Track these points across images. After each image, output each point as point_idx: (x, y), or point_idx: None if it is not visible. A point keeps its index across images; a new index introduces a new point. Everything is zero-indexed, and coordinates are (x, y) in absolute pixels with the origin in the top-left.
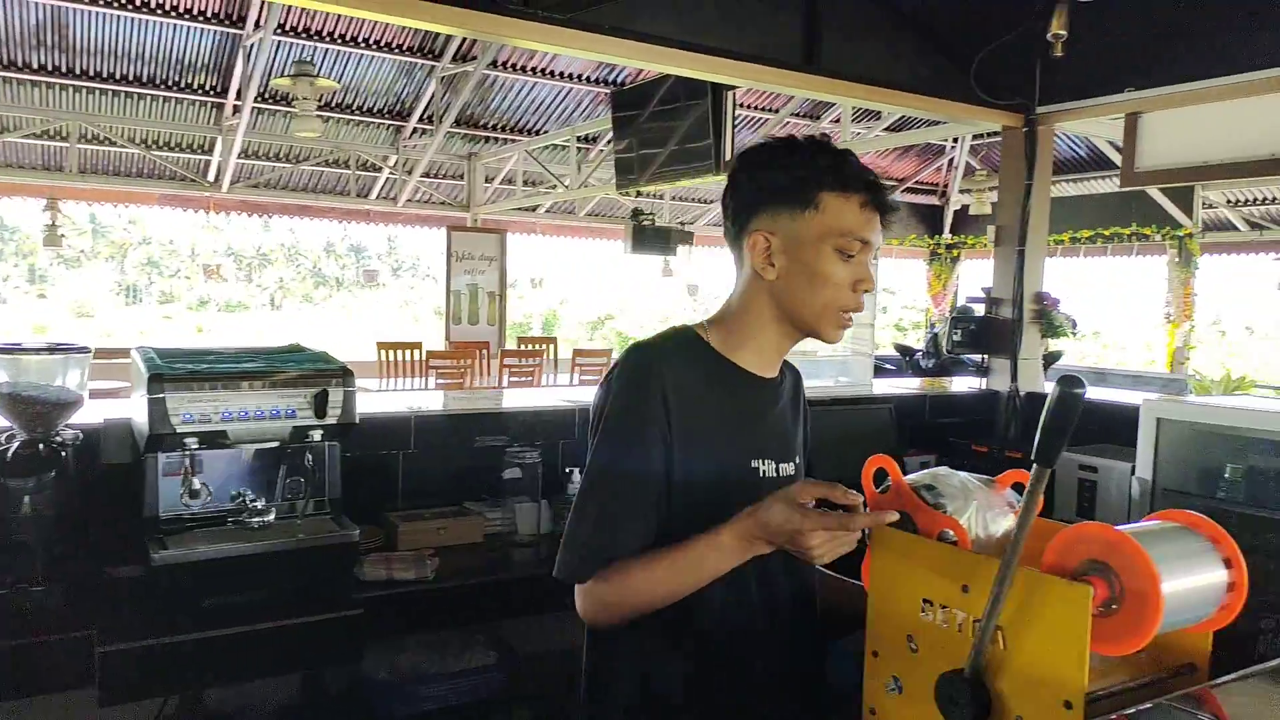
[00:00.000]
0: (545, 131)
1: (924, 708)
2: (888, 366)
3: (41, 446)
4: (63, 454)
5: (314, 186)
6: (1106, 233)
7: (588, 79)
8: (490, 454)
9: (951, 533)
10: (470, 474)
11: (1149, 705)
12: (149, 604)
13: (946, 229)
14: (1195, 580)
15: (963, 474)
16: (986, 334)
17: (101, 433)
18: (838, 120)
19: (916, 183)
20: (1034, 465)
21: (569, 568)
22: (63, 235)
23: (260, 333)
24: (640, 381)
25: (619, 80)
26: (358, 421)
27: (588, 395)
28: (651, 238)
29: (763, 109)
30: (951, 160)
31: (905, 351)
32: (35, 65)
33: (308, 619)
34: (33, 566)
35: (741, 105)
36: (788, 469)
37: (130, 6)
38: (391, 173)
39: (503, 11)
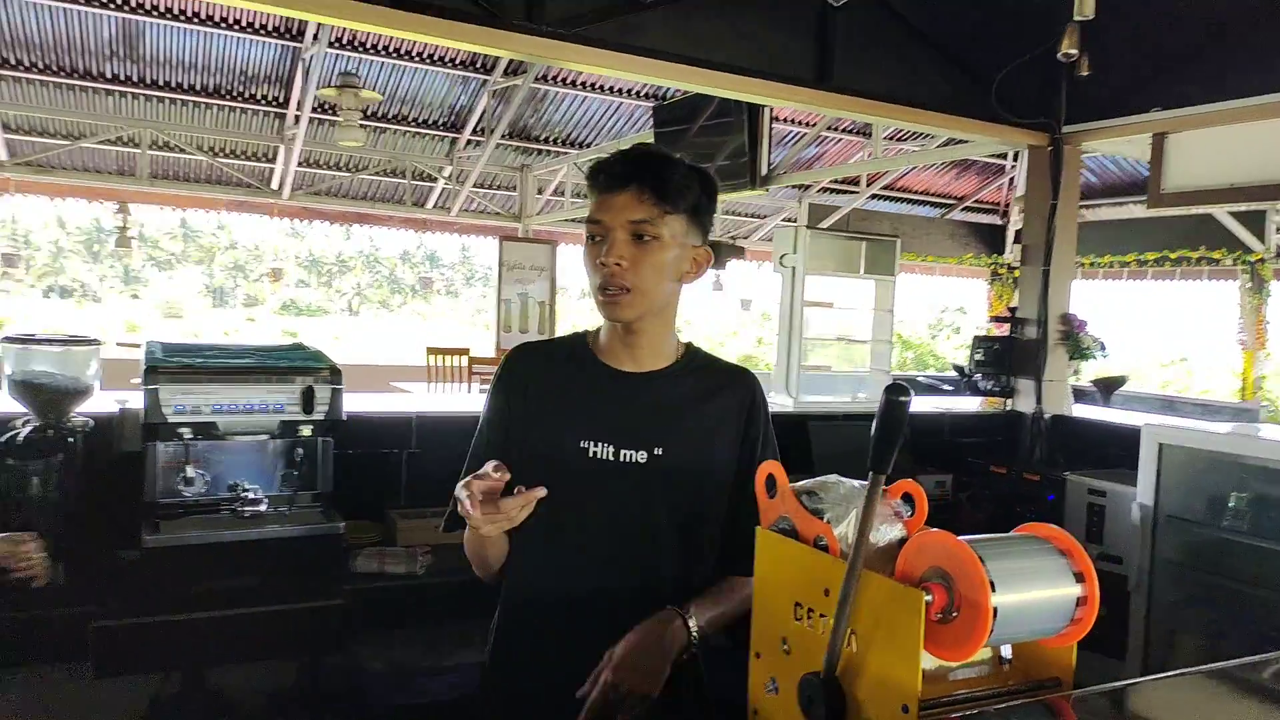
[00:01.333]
0: (595, 145)
1: (797, 709)
2: (945, 387)
3: (51, 431)
4: (70, 439)
5: (372, 195)
6: (1174, 256)
7: (634, 93)
8: None
9: (825, 538)
10: None
11: (991, 710)
12: (142, 584)
13: (1007, 248)
14: (1038, 593)
15: (853, 482)
16: (1010, 355)
17: (116, 421)
18: (890, 136)
19: (976, 201)
20: (870, 473)
21: (445, 523)
22: (134, 238)
23: (337, 337)
24: (498, 375)
25: (664, 95)
26: (344, 418)
27: None
28: None
29: (802, 123)
30: (1011, 179)
31: (964, 371)
32: (109, 75)
33: (291, 606)
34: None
35: (782, 120)
36: (637, 456)
37: (197, 20)
38: (446, 183)
39: (506, 27)
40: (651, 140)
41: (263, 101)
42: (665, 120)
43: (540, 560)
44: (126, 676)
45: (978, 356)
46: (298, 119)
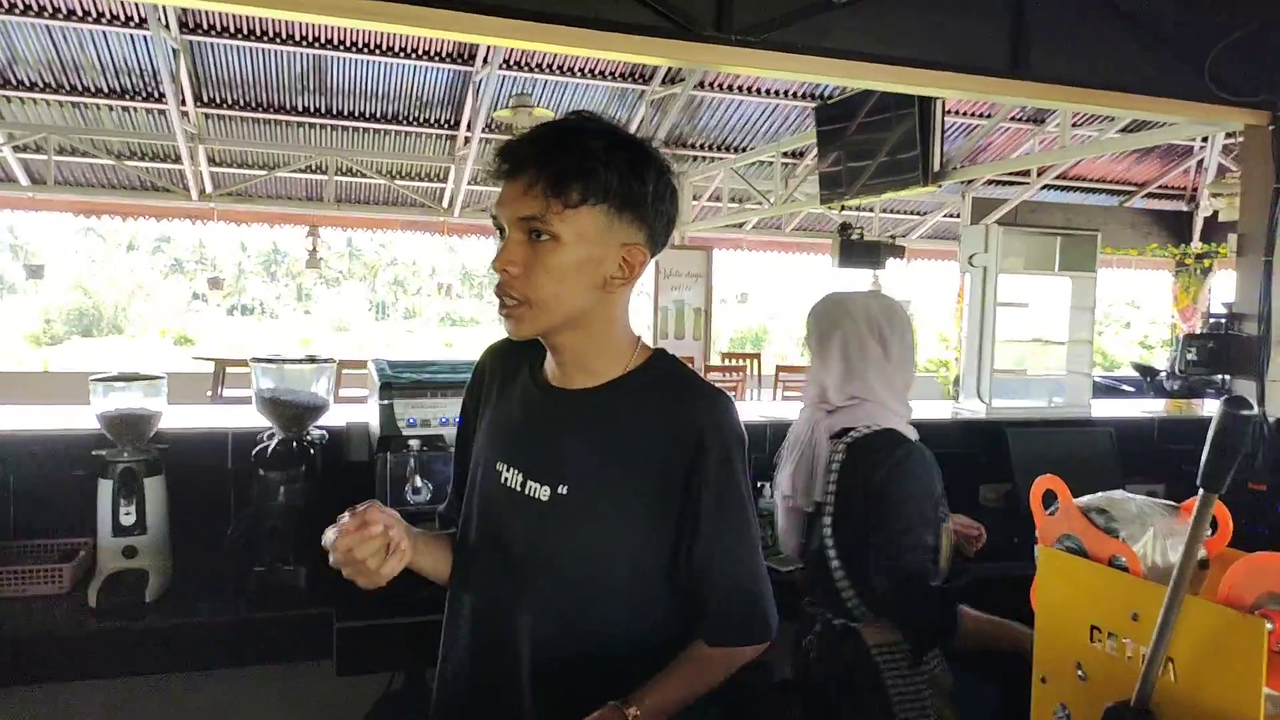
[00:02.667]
0: (751, 148)
1: None
2: (1125, 388)
3: (294, 444)
4: (311, 451)
5: None
6: None
7: (793, 95)
8: None
9: (1123, 558)
10: None
11: None
12: (379, 588)
13: (1195, 237)
14: None
15: (1141, 499)
16: (1228, 353)
17: (346, 434)
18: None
19: (1159, 187)
20: (1199, 491)
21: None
22: (321, 259)
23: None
24: (473, 372)
25: (824, 95)
26: None
27: (788, 411)
28: (860, 251)
29: (976, 115)
30: (1200, 162)
31: (1146, 372)
32: (300, 108)
33: None
34: (286, 549)
35: (952, 112)
36: (540, 490)
37: (378, 51)
38: None
39: (696, 38)
40: (814, 141)
41: (435, 124)
42: (827, 119)
43: (457, 594)
44: (363, 675)
45: (1190, 355)
46: (468, 140)
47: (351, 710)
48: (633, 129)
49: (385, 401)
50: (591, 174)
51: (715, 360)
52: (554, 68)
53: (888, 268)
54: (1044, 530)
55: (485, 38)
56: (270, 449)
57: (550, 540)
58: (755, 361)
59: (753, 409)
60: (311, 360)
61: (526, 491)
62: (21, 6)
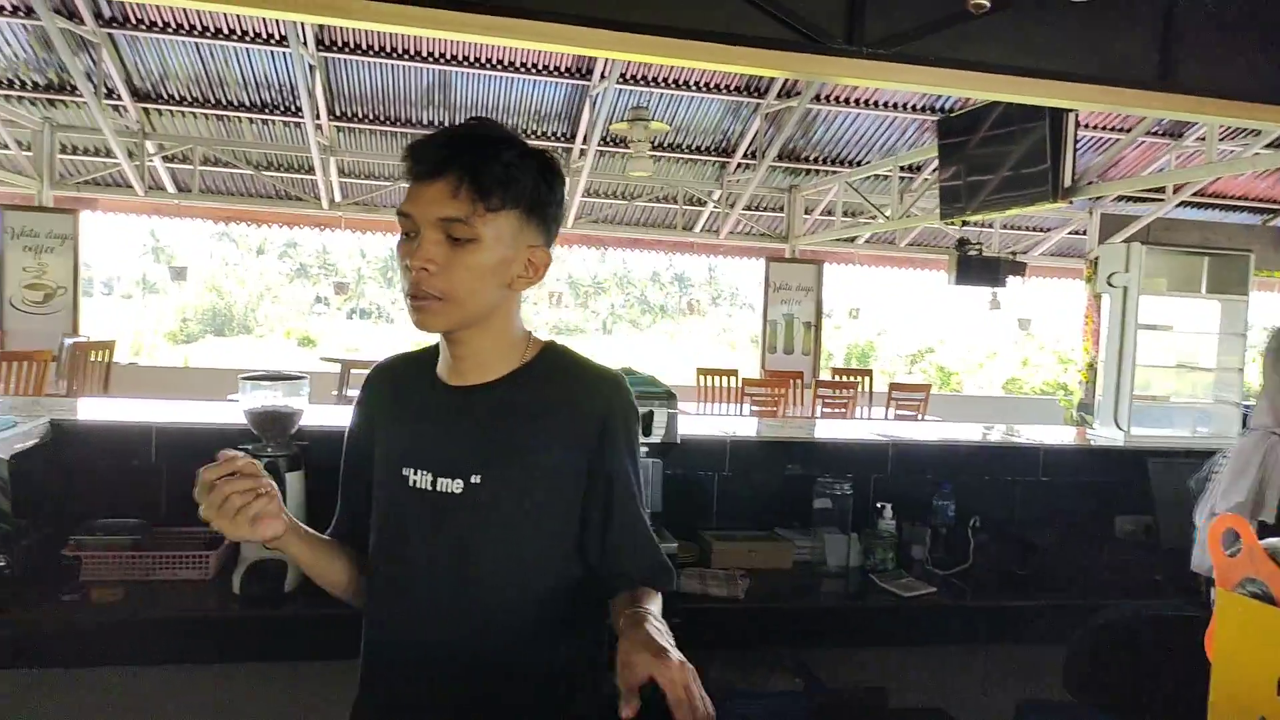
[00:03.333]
0: (866, 162)
1: None
2: None
3: None
4: None
5: (645, 221)
6: None
7: (912, 107)
8: (801, 482)
9: None
10: (780, 501)
11: None
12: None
13: None
14: None
15: None
16: None
17: None
18: (1202, 138)
19: None
20: None
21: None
22: None
23: (592, 355)
24: (360, 396)
25: (946, 107)
26: (679, 442)
27: (904, 430)
28: (978, 268)
29: (1112, 129)
30: None
31: None
32: (425, 121)
33: None
34: None
35: (1085, 126)
36: (453, 485)
37: (500, 66)
38: (715, 206)
39: (826, 51)
40: (934, 153)
41: (551, 137)
42: (949, 131)
43: (378, 599)
44: None
45: None
46: (583, 152)
47: None
48: (745, 142)
49: None
50: (513, 181)
51: (826, 375)
52: (670, 82)
53: (1008, 285)
54: (1224, 573)
55: (612, 52)
56: None
57: (467, 529)
58: (867, 378)
59: (866, 427)
60: (288, 378)
61: (438, 489)
62: (175, 25)
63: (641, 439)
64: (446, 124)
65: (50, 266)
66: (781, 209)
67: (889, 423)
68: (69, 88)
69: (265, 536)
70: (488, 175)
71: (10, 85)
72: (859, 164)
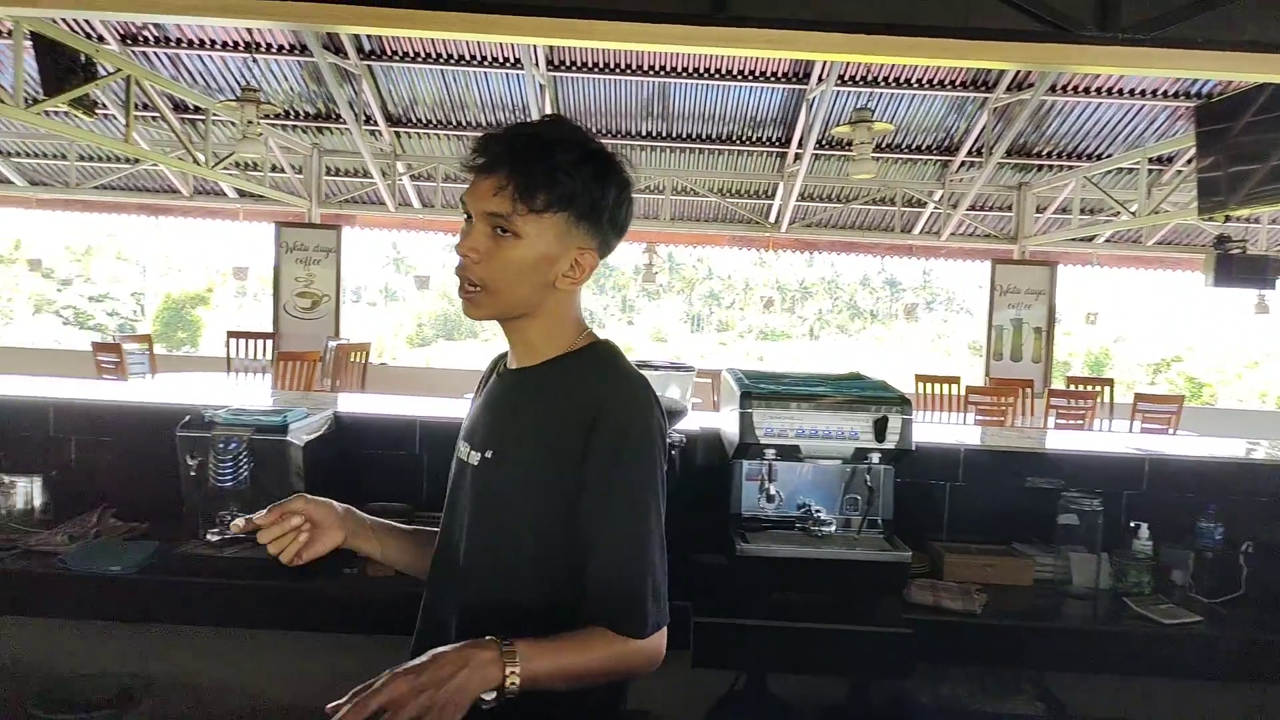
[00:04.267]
0: (1108, 155)
1: None
2: None
3: None
4: (672, 453)
5: (860, 224)
6: None
7: (1163, 94)
8: (1042, 496)
9: None
10: (1019, 514)
11: None
12: (732, 588)
13: None
14: None
15: None
16: None
17: (698, 439)
18: None
19: None
20: None
21: None
22: (656, 273)
23: (798, 360)
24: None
25: (1204, 92)
26: (913, 449)
27: (1161, 444)
28: (1241, 268)
29: None
30: None
31: None
32: (643, 133)
33: (861, 628)
34: None
35: None
36: (474, 456)
37: (717, 75)
38: (936, 207)
39: (1076, 40)
40: (1188, 142)
41: (765, 143)
42: (1209, 118)
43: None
44: (714, 669)
45: None
46: (798, 156)
47: (694, 704)
48: (970, 139)
49: (745, 410)
50: (559, 184)
51: (1058, 384)
52: (890, 80)
53: (1277, 287)
54: None
55: (847, 55)
56: None
57: (475, 502)
58: (1107, 389)
59: (1114, 440)
60: (675, 367)
61: (468, 459)
62: (423, 54)
63: (875, 444)
64: (663, 133)
65: (317, 276)
66: (1009, 208)
67: (1141, 436)
68: (334, 116)
69: (321, 554)
70: (535, 177)
71: (287, 116)
72: (1099, 157)
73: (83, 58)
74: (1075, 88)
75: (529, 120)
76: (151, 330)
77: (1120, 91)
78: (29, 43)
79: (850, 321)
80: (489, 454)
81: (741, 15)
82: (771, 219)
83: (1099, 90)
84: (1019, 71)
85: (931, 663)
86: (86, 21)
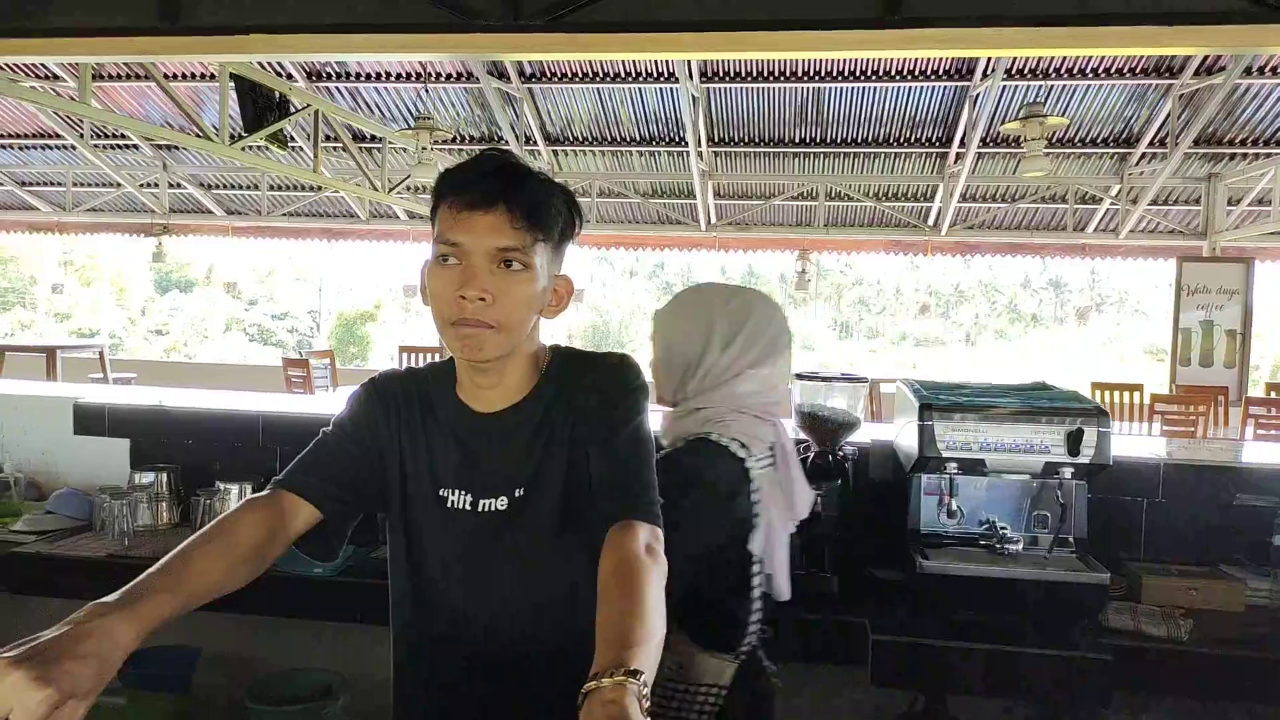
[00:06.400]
0: None
1: None
2: None
3: (830, 458)
4: (845, 465)
5: (1027, 224)
6: None
7: None
8: (1253, 515)
9: None
10: (1227, 534)
11: None
12: (912, 605)
13: None
14: None
15: None
16: None
17: (870, 452)
18: None
19: None
20: None
21: None
22: (809, 280)
23: (954, 366)
24: (383, 395)
25: None
26: (1111, 464)
27: None
28: None
29: None
30: None
31: None
32: (796, 139)
33: (1055, 652)
34: (824, 556)
35: None
36: (497, 503)
37: (873, 77)
38: (1113, 203)
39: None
40: None
41: (924, 144)
42: None
43: (416, 618)
44: (893, 689)
45: None
46: (959, 156)
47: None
48: (1152, 130)
49: (926, 422)
50: (554, 213)
51: (1256, 391)
52: (1062, 71)
53: None
54: None
55: (1023, 50)
56: (810, 460)
57: (513, 537)
58: None
59: None
60: (849, 379)
61: (480, 509)
62: (580, 74)
63: (1067, 459)
64: (817, 138)
65: None
66: (1197, 201)
67: None
68: (496, 138)
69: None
70: (537, 207)
71: (454, 140)
72: None
73: (278, 96)
74: (1275, 69)
75: (482, 155)
76: (328, 345)
77: None
78: (231, 86)
79: (1010, 326)
80: (519, 493)
81: (917, 16)
82: (930, 222)
83: None
84: (1207, 56)
85: (1131, 691)
86: (279, 63)
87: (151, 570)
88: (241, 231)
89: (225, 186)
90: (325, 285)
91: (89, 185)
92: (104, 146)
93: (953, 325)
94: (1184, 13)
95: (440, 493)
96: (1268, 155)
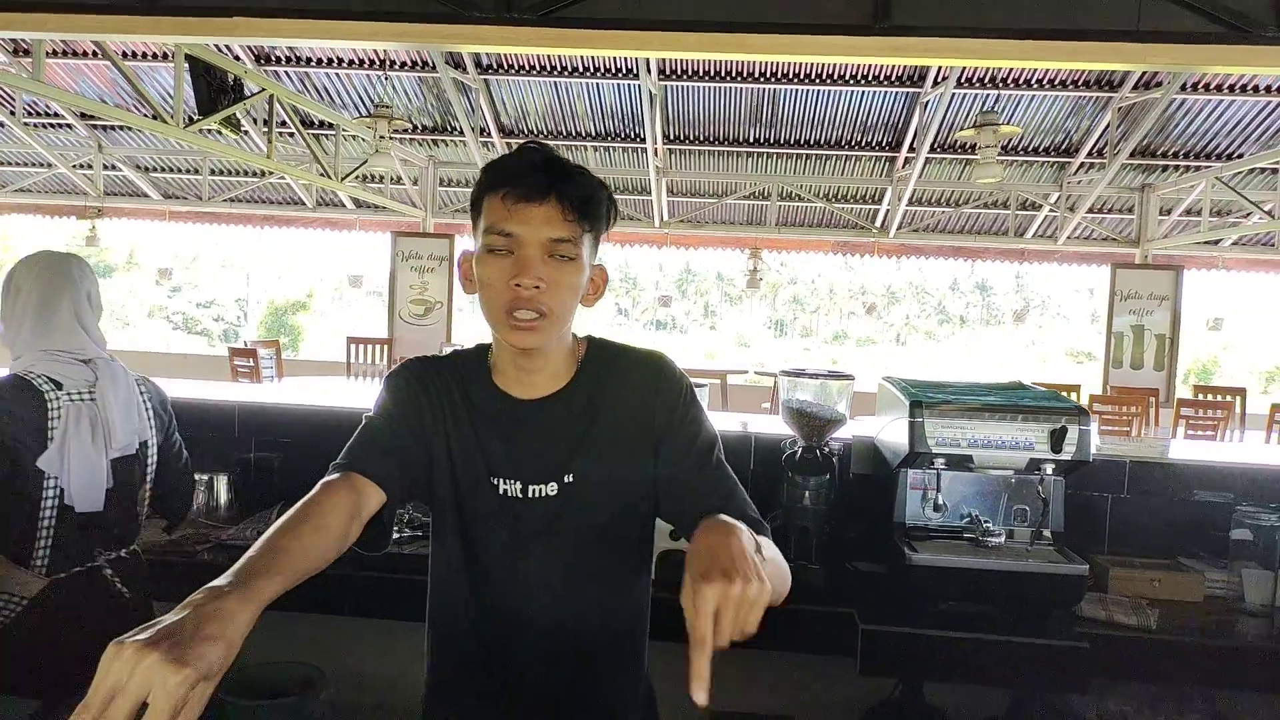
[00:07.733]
0: (1239, 156)
1: None
2: None
3: (817, 453)
4: (833, 460)
5: (970, 228)
6: None
7: None
8: (1210, 510)
9: None
10: (1186, 529)
11: None
12: (900, 596)
13: None
14: None
15: None
16: None
17: (851, 448)
18: None
19: None
20: None
21: None
22: (760, 279)
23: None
24: (418, 382)
25: None
26: (1090, 460)
27: None
28: None
29: None
30: None
31: None
32: (750, 139)
33: (1034, 640)
34: (811, 547)
35: None
36: (548, 489)
37: (827, 80)
38: (1052, 210)
39: (1254, 41)
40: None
41: (874, 147)
42: None
43: (458, 601)
44: (881, 678)
45: None
46: (908, 160)
47: (858, 710)
48: (1091, 140)
49: (916, 419)
50: (601, 203)
51: (1184, 393)
52: (1011, 81)
53: None
54: None
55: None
56: (798, 455)
57: (564, 522)
58: (1239, 398)
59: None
60: (833, 375)
61: (530, 495)
62: (538, 67)
63: (1050, 455)
64: (769, 139)
65: (430, 284)
66: (1130, 210)
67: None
68: (449, 128)
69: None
70: (587, 200)
71: (406, 130)
72: (1231, 157)
73: (232, 79)
74: (1208, 85)
75: (529, 148)
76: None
77: (1256, 89)
78: (186, 66)
79: (938, 327)
80: (569, 478)
81: (904, 24)
82: (878, 224)
83: (1232, 88)
84: (1145, 71)
85: (1104, 678)
86: (228, 46)
87: (253, 552)
88: (179, 216)
89: (164, 170)
90: (254, 273)
91: (17, 165)
92: (37, 125)
93: (884, 326)
94: (1160, 31)
95: (492, 480)
96: (1198, 168)
